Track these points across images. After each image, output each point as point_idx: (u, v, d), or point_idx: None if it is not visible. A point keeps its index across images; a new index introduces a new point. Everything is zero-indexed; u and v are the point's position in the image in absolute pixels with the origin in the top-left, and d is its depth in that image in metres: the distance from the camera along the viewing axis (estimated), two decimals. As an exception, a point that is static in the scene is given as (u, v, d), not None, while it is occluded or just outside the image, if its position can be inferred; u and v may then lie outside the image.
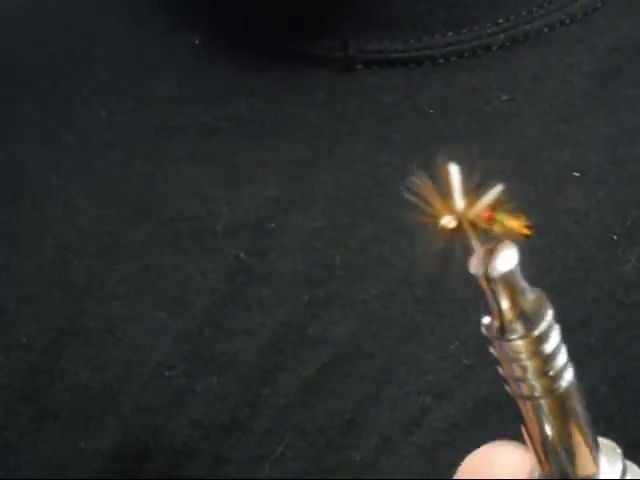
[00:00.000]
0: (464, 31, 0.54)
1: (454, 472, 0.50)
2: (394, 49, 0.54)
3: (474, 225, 0.32)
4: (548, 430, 0.34)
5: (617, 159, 0.53)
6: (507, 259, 0.32)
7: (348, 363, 0.51)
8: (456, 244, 0.32)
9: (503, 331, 0.33)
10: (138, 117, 0.55)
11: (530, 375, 0.33)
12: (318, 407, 0.50)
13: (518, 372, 0.33)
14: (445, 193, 0.32)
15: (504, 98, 0.53)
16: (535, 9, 0.54)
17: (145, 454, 0.51)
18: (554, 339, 0.33)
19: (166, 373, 0.51)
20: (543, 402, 0.33)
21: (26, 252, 0.53)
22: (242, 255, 0.52)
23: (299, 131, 0.54)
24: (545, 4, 0.54)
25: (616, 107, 0.53)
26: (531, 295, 0.33)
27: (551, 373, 0.33)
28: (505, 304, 0.32)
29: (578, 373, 0.47)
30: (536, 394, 0.33)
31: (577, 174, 0.52)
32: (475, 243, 0.32)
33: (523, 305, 0.32)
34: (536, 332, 0.32)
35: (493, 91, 0.53)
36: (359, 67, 0.54)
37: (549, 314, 0.33)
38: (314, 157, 0.54)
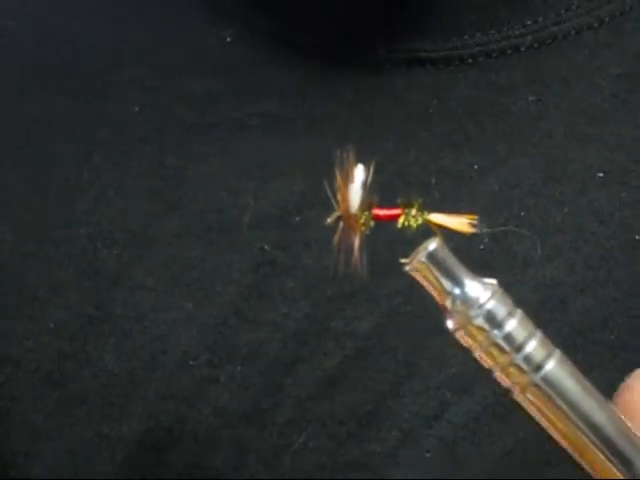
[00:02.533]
0: (492, 32, 0.54)
1: (473, 466, 0.50)
2: (423, 49, 0.54)
3: (359, 224, 0.33)
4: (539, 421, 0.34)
5: None
6: (426, 248, 0.34)
7: (370, 356, 0.51)
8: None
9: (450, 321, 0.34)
10: (170, 113, 0.56)
11: (496, 366, 0.34)
12: (339, 399, 0.51)
13: (485, 362, 0.34)
14: (344, 190, 0.33)
15: (531, 99, 0.54)
16: (563, 12, 0.55)
17: (169, 441, 0.51)
18: (509, 328, 0.33)
19: (191, 362, 0.52)
20: (518, 394, 0.34)
21: (57, 241, 0.54)
22: (267, 248, 0.53)
23: (327, 129, 0.54)
24: (573, 7, 0.55)
25: None
26: (471, 283, 0.34)
27: (518, 363, 0.34)
28: (435, 292, 0.33)
29: (599, 371, 0.48)
30: (507, 385, 0.34)
31: (601, 175, 0.52)
32: (357, 241, 0.33)
33: (456, 292, 0.34)
34: (478, 320, 0.33)
35: (520, 92, 0.54)
36: (388, 67, 0.55)
37: (491, 302, 0.33)
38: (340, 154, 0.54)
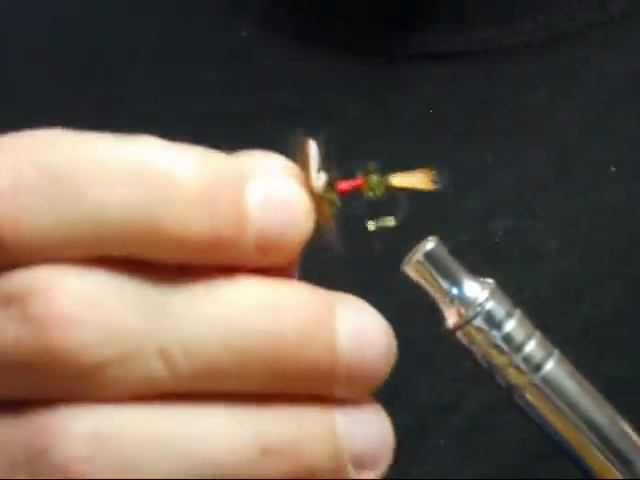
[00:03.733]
0: (505, 27, 0.54)
1: (489, 457, 0.51)
2: (436, 43, 0.55)
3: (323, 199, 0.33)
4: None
5: None
6: (423, 247, 0.34)
7: None
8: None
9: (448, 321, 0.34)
10: (187, 105, 0.57)
11: (495, 366, 0.34)
12: None
13: (484, 363, 0.35)
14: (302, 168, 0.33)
15: (543, 94, 0.54)
16: (576, 8, 0.55)
17: None
18: (508, 328, 0.34)
19: None
20: (517, 395, 0.34)
21: None
22: None
23: (341, 122, 0.55)
24: (585, 3, 0.55)
25: None
26: (469, 283, 0.34)
27: (517, 364, 0.34)
28: (433, 291, 0.34)
29: (612, 363, 0.48)
30: (506, 386, 0.34)
31: (613, 169, 0.53)
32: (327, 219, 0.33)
33: (454, 292, 0.34)
34: (476, 320, 0.34)
35: (532, 86, 0.54)
36: (402, 61, 0.55)
37: (490, 302, 0.34)
38: (355, 148, 0.54)
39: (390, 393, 0.51)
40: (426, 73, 0.55)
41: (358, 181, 0.34)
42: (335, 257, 0.52)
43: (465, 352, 0.52)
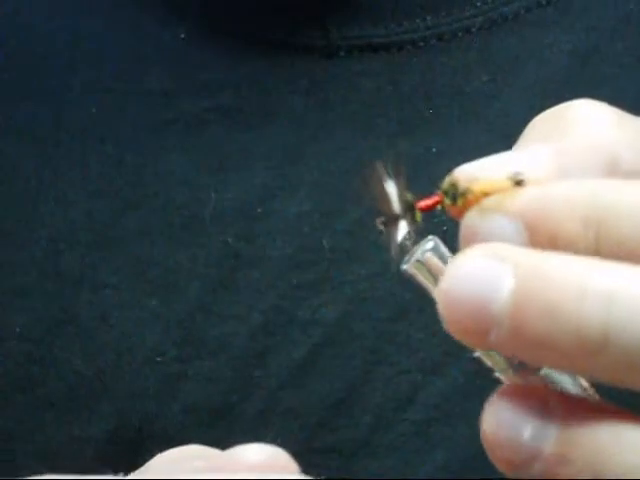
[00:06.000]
0: (443, 14, 0.54)
1: (448, 447, 0.50)
2: (375, 34, 0.54)
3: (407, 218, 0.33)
4: None
5: None
6: (423, 247, 0.34)
7: (338, 344, 0.51)
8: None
9: None
10: (127, 111, 0.56)
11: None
12: (310, 388, 0.51)
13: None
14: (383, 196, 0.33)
15: (485, 79, 0.54)
16: None
17: (139, 440, 0.51)
18: None
19: (158, 359, 0.52)
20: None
21: (20, 245, 0.54)
22: (230, 241, 0.53)
23: (285, 119, 0.55)
24: None
25: (595, 85, 0.54)
26: None
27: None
28: (432, 289, 0.34)
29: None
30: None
31: None
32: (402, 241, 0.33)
33: None
34: None
35: (474, 73, 0.54)
36: (341, 54, 0.55)
37: None
38: (300, 144, 0.54)
39: (345, 390, 0.51)
40: (366, 65, 0.55)
41: (436, 198, 0.34)
42: (285, 253, 0.52)
43: (416, 344, 0.52)
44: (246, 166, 0.54)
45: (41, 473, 0.51)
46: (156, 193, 0.54)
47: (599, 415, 0.31)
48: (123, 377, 0.52)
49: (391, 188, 0.34)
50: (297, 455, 0.51)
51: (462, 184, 0.33)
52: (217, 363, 0.52)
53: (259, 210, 0.53)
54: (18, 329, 0.53)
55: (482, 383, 0.49)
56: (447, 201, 0.33)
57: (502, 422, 0.32)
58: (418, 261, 0.34)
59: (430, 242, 0.34)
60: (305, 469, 0.49)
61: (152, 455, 0.51)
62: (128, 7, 0.59)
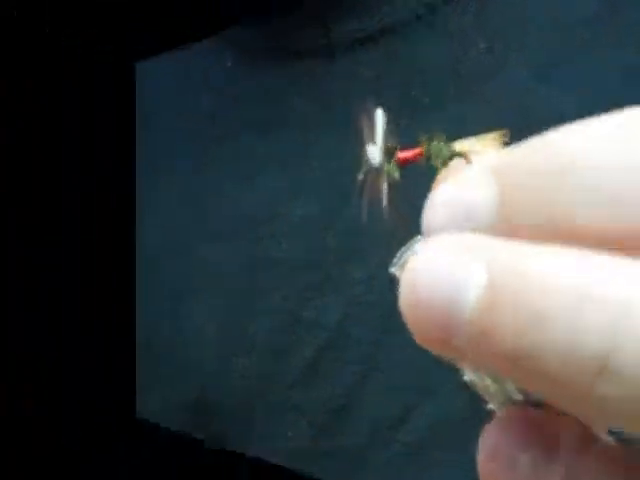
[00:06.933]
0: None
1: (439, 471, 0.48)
2: (369, 26, 0.54)
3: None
4: None
5: None
6: (412, 248, 0.31)
7: (338, 347, 0.52)
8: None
9: None
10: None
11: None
12: (317, 388, 0.52)
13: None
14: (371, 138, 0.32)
15: (482, 46, 0.53)
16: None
17: None
18: None
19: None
20: None
21: None
22: (243, 245, 0.54)
23: (292, 123, 0.55)
24: None
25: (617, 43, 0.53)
26: None
27: None
28: None
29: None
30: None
31: None
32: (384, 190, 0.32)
33: None
34: None
35: (470, 39, 0.53)
36: (342, 50, 0.54)
37: None
38: (305, 146, 0.54)
39: (346, 396, 0.50)
40: (364, 57, 0.54)
41: (418, 150, 0.32)
42: (282, 257, 0.52)
43: (410, 356, 0.50)
44: (255, 172, 0.55)
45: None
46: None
47: None
48: None
49: (377, 137, 0.32)
50: (302, 453, 0.51)
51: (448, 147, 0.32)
52: (248, 360, 0.53)
53: (268, 213, 0.54)
54: None
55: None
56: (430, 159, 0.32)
57: (499, 452, 0.27)
58: (407, 263, 0.31)
59: (419, 243, 0.30)
60: (311, 470, 0.48)
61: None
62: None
